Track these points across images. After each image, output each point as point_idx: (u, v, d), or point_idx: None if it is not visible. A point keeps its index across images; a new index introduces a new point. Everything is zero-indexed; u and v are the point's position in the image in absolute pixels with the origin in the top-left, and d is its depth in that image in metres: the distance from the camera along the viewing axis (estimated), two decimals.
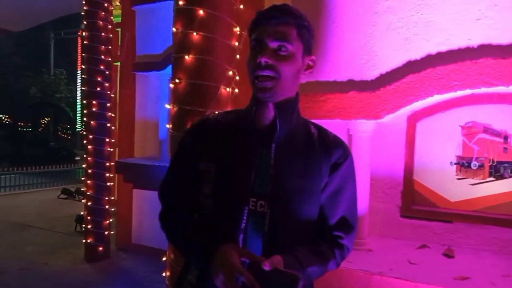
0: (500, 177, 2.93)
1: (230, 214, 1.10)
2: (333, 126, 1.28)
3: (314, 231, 1.20)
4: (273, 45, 1.09)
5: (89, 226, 5.06)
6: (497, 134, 2.92)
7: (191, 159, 1.20)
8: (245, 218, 1.09)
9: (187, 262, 1.22)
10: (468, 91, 2.68)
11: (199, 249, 1.11)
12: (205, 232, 1.14)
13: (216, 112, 1.36)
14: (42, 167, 11.77)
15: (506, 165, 2.91)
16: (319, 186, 1.15)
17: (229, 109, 2.68)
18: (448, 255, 2.76)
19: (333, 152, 1.17)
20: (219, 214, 1.12)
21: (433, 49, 2.74)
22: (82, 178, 5.38)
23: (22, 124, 19.41)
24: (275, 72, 1.08)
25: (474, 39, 2.62)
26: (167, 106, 2.94)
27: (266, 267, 0.94)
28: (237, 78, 2.77)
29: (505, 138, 2.90)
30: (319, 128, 1.23)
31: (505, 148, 2.91)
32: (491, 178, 2.95)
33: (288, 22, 1.10)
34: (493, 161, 2.94)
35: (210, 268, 1.03)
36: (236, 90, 2.77)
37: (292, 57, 1.11)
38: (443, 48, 2.70)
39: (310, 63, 1.18)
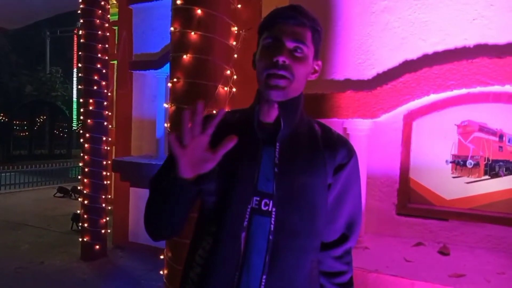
0: (495, 175, 2.95)
1: (232, 212, 1.10)
2: (330, 125, 1.28)
3: (322, 236, 1.21)
4: (290, 45, 1.09)
5: (85, 225, 5.07)
6: (492, 133, 2.94)
7: None
8: (247, 216, 1.09)
9: (188, 260, 1.22)
10: (464, 91, 2.69)
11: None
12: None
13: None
14: (37, 165, 11.73)
15: (501, 163, 2.94)
16: (325, 183, 1.16)
17: (227, 108, 2.69)
18: (444, 252, 2.79)
19: (338, 152, 1.18)
20: (221, 212, 1.12)
21: (430, 49, 2.75)
22: (79, 177, 5.38)
23: (17, 122, 19.31)
24: (289, 73, 1.08)
25: (471, 39, 2.64)
26: (165, 105, 2.95)
27: None
28: (235, 77, 2.79)
29: (500, 137, 2.93)
30: (323, 126, 1.24)
31: (500, 147, 2.93)
32: (486, 177, 2.97)
33: (304, 24, 1.11)
34: (488, 160, 2.97)
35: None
36: (234, 89, 2.78)
37: (306, 59, 1.12)
38: (440, 47, 2.72)
39: (316, 67, 1.19)
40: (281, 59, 1.06)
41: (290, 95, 1.12)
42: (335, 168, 1.17)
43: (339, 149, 1.18)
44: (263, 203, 1.10)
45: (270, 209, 1.10)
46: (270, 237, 1.08)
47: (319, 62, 1.19)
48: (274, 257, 1.08)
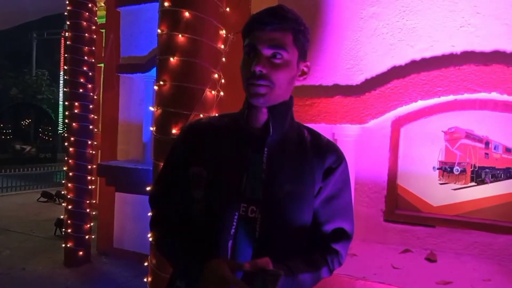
0: (481, 182, 2.97)
1: (220, 219, 1.07)
2: (318, 130, 1.26)
3: (309, 237, 1.17)
4: (267, 52, 1.06)
5: (69, 230, 4.96)
6: (479, 139, 2.96)
7: (182, 164, 1.16)
8: (235, 223, 1.07)
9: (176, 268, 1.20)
10: (451, 97, 2.71)
11: (186, 265, 1.08)
12: (194, 246, 1.10)
13: (210, 116, 1.33)
14: (21, 169, 11.50)
15: (487, 170, 2.95)
16: (312, 192, 1.13)
17: (214, 112, 2.66)
18: (431, 259, 2.78)
19: (327, 157, 1.15)
20: (209, 219, 1.09)
21: (418, 55, 2.76)
22: (63, 181, 5.28)
23: (1, 125, 18.96)
24: (269, 81, 1.05)
25: (458, 46, 2.65)
26: (151, 108, 2.90)
27: (246, 267, 0.93)
28: (223, 81, 2.76)
29: (487, 143, 2.95)
30: (312, 133, 1.21)
31: (487, 154, 2.95)
32: (473, 183, 2.98)
33: (283, 28, 1.06)
34: (474, 167, 2.98)
35: (199, 285, 1.00)
36: (222, 93, 2.75)
37: (287, 64, 1.08)
38: (427, 54, 2.73)
39: (305, 69, 1.15)
40: (257, 69, 1.04)
41: (273, 101, 1.09)
42: (324, 172, 1.15)
43: (328, 155, 1.16)
44: (249, 210, 1.08)
45: (256, 216, 1.07)
46: (256, 244, 1.06)
47: (307, 63, 1.16)
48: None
